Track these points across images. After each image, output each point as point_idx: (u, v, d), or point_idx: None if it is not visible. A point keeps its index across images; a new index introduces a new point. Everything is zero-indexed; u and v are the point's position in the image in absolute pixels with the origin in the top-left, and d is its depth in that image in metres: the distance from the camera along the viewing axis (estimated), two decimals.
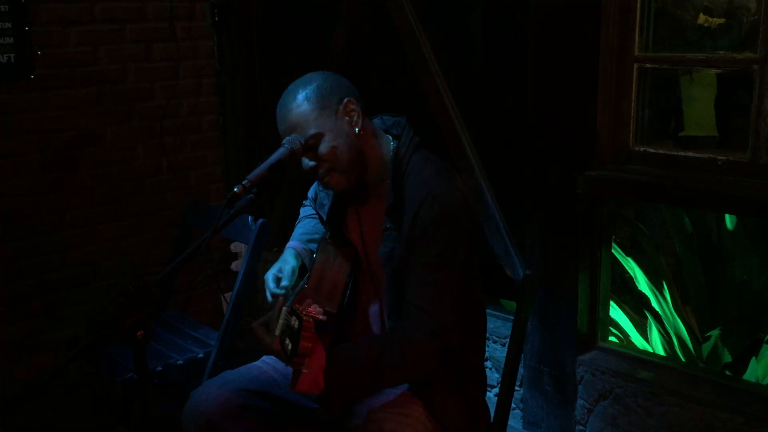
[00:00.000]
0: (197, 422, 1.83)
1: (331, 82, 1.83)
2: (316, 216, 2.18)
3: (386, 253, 1.81)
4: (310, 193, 2.22)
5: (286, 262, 2.03)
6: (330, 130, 1.79)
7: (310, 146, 1.78)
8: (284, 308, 1.67)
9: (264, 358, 2.01)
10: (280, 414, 1.90)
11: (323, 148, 1.78)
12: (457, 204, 1.75)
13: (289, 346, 1.60)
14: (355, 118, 1.82)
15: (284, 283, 1.95)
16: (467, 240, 1.79)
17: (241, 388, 1.88)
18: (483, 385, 1.96)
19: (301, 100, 1.79)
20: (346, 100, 1.81)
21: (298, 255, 2.09)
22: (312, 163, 1.80)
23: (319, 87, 1.80)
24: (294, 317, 1.61)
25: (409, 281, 1.76)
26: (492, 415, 1.97)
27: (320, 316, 1.64)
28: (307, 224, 2.20)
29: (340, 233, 1.97)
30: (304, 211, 2.26)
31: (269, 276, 1.98)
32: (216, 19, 3.62)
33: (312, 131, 1.77)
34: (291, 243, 2.14)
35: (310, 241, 2.15)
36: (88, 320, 3.28)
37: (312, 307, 1.67)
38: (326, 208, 1.99)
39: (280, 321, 1.67)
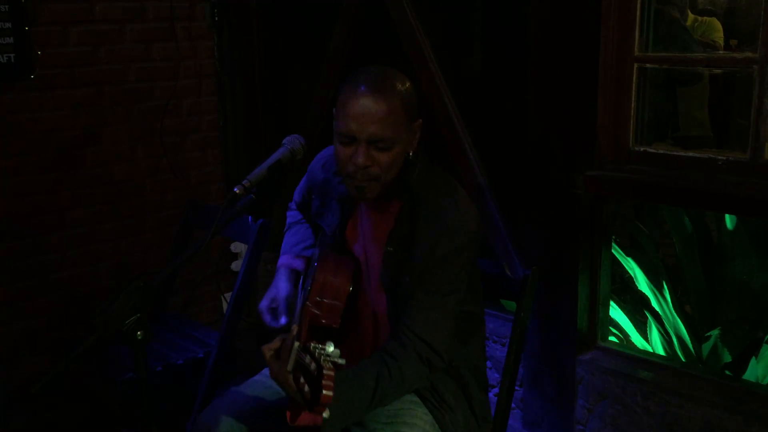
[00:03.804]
0: None
1: (416, 92, 1.73)
2: (305, 221, 2.13)
3: (387, 278, 1.76)
4: (296, 197, 2.15)
5: (279, 290, 1.98)
6: (401, 141, 1.68)
7: (376, 144, 1.65)
8: (296, 344, 1.50)
9: (266, 371, 1.96)
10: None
11: (387, 156, 1.66)
12: (471, 235, 1.72)
13: (306, 390, 1.41)
14: (414, 141, 1.74)
15: (282, 321, 1.91)
16: (474, 264, 1.77)
17: (249, 415, 1.83)
18: (485, 387, 1.95)
19: (396, 95, 1.65)
20: (420, 120, 1.73)
21: (291, 276, 2.03)
22: (364, 162, 1.65)
23: (411, 92, 1.70)
24: (309, 357, 1.42)
25: (409, 305, 1.71)
26: (492, 414, 1.97)
27: (340, 360, 1.40)
28: (298, 232, 2.14)
29: (342, 244, 1.90)
30: (291, 216, 2.19)
31: (263, 307, 1.95)
32: (216, 19, 3.62)
33: (390, 133, 1.64)
34: (282, 259, 2.08)
35: (305, 248, 2.08)
36: (88, 320, 3.28)
37: (329, 347, 1.41)
38: (329, 219, 1.91)
39: (293, 356, 1.49)
